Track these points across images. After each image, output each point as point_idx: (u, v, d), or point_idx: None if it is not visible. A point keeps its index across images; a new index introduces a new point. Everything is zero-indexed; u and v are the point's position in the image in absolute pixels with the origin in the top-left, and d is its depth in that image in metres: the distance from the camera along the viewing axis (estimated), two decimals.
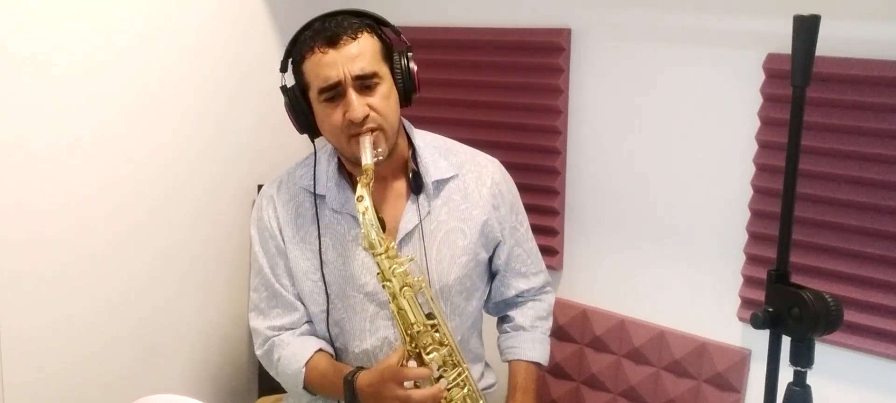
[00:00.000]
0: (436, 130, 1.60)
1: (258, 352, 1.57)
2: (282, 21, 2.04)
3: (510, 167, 1.65)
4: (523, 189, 1.67)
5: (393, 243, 1.36)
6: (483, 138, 1.80)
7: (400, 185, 1.52)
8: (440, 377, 1.39)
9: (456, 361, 1.41)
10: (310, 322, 1.56)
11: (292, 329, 1.54)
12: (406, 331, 1.37)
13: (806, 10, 0.97)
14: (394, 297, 1.36)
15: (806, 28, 0.97)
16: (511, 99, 1.91)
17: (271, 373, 1.58)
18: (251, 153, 2.03)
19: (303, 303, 1.55)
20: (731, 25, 1.62)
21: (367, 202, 1.30)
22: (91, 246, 1.69)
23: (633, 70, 1.76)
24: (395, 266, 1.35)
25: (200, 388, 2.00)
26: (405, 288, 1.36)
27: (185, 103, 1.85)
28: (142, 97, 1.74)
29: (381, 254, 1.34)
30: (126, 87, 1.70)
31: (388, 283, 1.36)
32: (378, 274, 1.37)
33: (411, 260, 1.39)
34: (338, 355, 1.55)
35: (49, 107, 1.56)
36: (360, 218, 1.31)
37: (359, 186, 1.31)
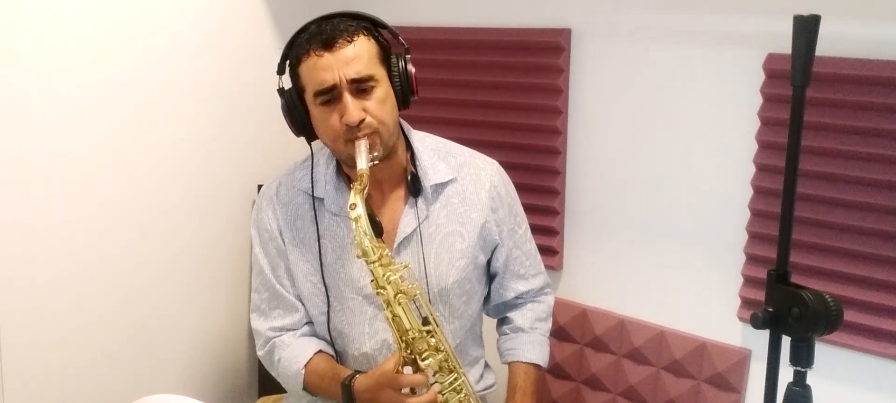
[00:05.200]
0: (435, 131, 1.60)
1: (260, 353, 1.58)
2: (282, 22, 2.04)
3: (510, 167, 1.65)
4: (523, 189, 1.67)
5: (387, 251, 1.35)
6: (483, 138, 1.80)
7: (398, 188, 1.51)
8: (436, 383, 1.39)
9: (452, 366, 1.40)
10: (310, 322, 1.56)
11: (293, 329, 1.54)
12: (401, 338, 1.37)
13: (806, 10, 0.97)
14: (388, 304, 1.35)
15: (806, 28, 0.97)
16: (511, 99, 1.91)
17: (273, 374, 1.58)
18: (251, 154, 2.03)
19: (303, 305, 1.55)
20: (731, 25, 1.62)
21: (360, 209, 1.29)
22: (91, 246, 1.68)
23: (633, 70, 1.76)
24: (389, 273, 1.34)
25: (200, 388, 2.00)
26: (400, 294, 1.34)
27: (185, 104, 1.84)
28: (142, 98, 1.74)
29: (374, 262, 1.33)
30: (126, 89, 1.70)
31: (382, 291, 1.35)
32: (372, 281, 1.36)
33: (406, 267, 1.38)
34: (338, 358, 1.55)
35: (49, 109, 1.56)
36: (353, 226, 1.30)
37: (352, 193, 1.30)
